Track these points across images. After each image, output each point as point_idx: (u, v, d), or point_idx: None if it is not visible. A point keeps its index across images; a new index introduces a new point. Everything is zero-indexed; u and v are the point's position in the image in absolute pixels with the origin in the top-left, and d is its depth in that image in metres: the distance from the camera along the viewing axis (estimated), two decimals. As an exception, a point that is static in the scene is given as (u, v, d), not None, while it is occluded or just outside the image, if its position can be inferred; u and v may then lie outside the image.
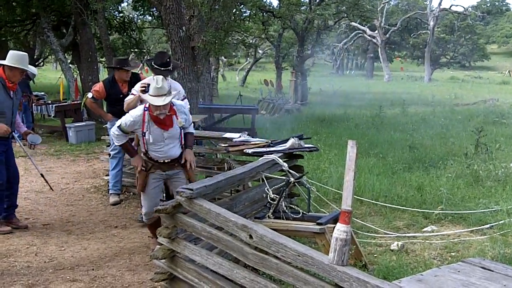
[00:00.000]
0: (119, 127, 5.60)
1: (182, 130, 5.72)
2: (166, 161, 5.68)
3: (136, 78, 7.91)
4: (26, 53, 6.68)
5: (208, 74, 18.60)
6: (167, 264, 4.54)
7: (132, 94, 6.98)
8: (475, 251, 6.03)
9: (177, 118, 5.60)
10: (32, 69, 6.81)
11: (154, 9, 18.89)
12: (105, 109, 8.99)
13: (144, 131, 5.50)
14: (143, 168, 5.67)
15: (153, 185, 5.76)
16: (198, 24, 11.43)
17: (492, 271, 3.19)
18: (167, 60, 6.83)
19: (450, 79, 57.49)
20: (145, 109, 5.49)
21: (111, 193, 8.20)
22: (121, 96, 7.65)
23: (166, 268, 4.56)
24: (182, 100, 6.34)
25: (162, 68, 6.73)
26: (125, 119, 5.58)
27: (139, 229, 6.92)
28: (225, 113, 15.69)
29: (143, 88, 6.42)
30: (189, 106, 6.23)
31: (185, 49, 11.24)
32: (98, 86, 8.04)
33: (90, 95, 8.06)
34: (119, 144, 5.74)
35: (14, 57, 6.40)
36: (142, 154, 5.77)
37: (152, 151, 5.63)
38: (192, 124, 6.08)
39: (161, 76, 5.55)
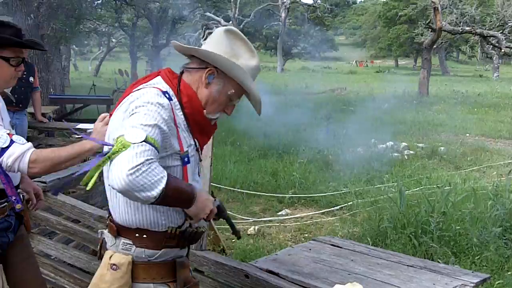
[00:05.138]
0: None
1: None
2: None
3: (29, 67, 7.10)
4: None
5: (58, 63, 17.86)
6: (20, 260, 4.33)
7: None
8: (327, 231, 6.38)
9: None
10: None
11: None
12: None
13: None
14: None
15: None
16: (47, 12, 10.95)
17: (341, 247, 3.39)
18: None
19: (301, 69, 59.80)
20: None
21: None
22: None
23: (19, 265, 4.36)
24: None
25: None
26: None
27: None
28: (78, 103, 15.12)
29: None
30: None
31: (34, 38, 10.71)
32: None
33: None
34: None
35: None
36: None
37: None
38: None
39: None
